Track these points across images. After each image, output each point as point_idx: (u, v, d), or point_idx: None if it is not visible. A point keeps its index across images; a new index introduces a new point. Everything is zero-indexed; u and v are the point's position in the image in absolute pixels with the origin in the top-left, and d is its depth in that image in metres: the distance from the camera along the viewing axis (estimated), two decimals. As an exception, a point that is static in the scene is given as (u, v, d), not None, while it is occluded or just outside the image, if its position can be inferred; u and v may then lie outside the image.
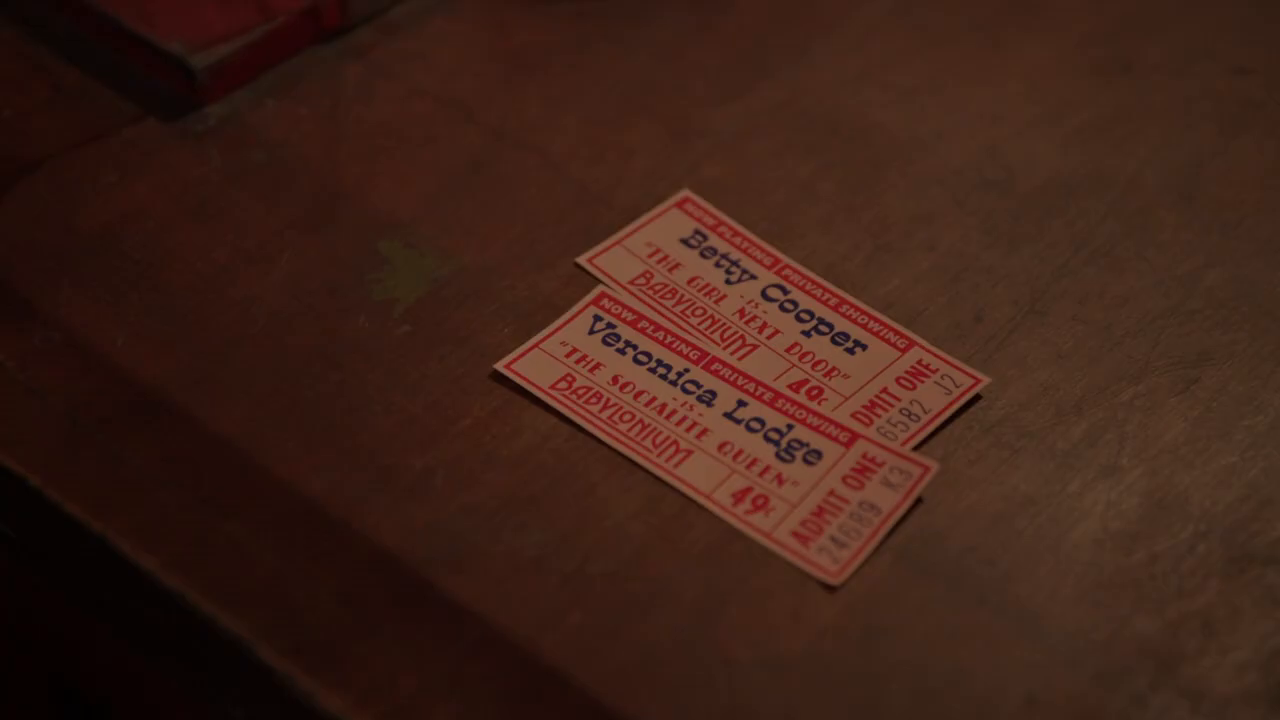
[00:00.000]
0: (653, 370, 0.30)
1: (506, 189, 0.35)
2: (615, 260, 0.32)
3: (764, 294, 0.32)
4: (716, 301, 0.31)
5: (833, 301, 0.32)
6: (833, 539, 0.27)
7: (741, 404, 0.29)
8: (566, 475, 0.28)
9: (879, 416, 0.29)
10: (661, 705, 0.25)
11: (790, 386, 0.30)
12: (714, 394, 0.29)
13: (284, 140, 0.35)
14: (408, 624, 0.25)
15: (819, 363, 0.30)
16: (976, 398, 0.30)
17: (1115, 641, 0.26)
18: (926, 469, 0.28)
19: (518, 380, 0.29)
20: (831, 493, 0.28)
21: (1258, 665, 0.26)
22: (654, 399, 0.29)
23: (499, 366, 0.29)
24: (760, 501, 0.28)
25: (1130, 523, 0.28)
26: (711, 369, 0.30)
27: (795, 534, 0.27)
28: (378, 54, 0.37)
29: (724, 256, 0.33)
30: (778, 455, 0.28)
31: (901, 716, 0.25)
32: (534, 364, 0.30)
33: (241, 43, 0.35)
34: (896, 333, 0.31)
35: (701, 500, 0.27)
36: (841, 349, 0.31)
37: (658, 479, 0.28)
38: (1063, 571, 0.27)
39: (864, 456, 0.28)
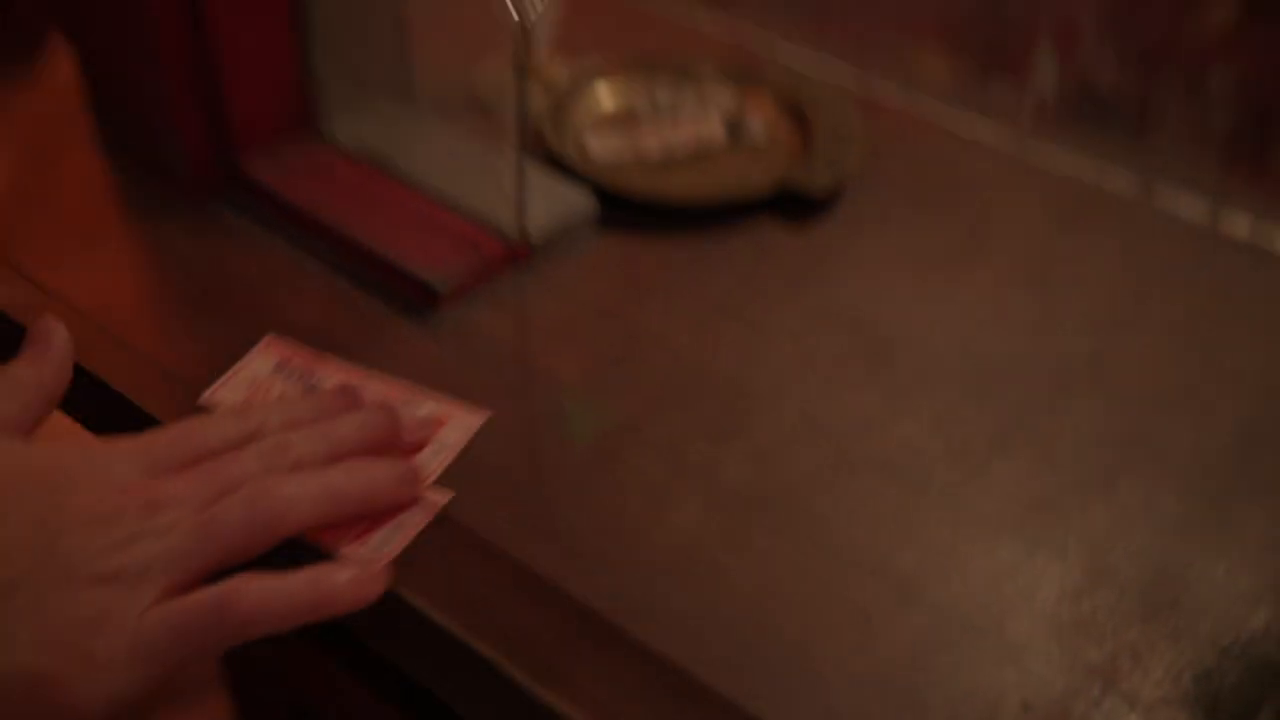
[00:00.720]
0: None
1: (641, 368, 0.45)
2: (229, 391, 0.41)
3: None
4: None
5: (394, 390, 0.41)
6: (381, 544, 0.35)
7: None
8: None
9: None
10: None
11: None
12: None
13: (494, 334, 0.45)
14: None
15: None
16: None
17: (1075, 665, 0.35)
18: (440, 498, 0.37)
19: None
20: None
21: (1170, 680, 0.34)
22: None
23: None
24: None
25: (1078, 585, 0.37)
26: None
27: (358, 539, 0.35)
28: (551, 275, 0.48)
29: (301, 375, 0.41)
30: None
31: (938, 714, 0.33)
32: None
33: (466, 270, 0.45)
34: (436, 399, 0.41)
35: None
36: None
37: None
38: (1037, 618, 0.36)
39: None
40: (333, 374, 0.42)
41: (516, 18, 0.41)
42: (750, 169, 0.52)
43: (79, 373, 0.39)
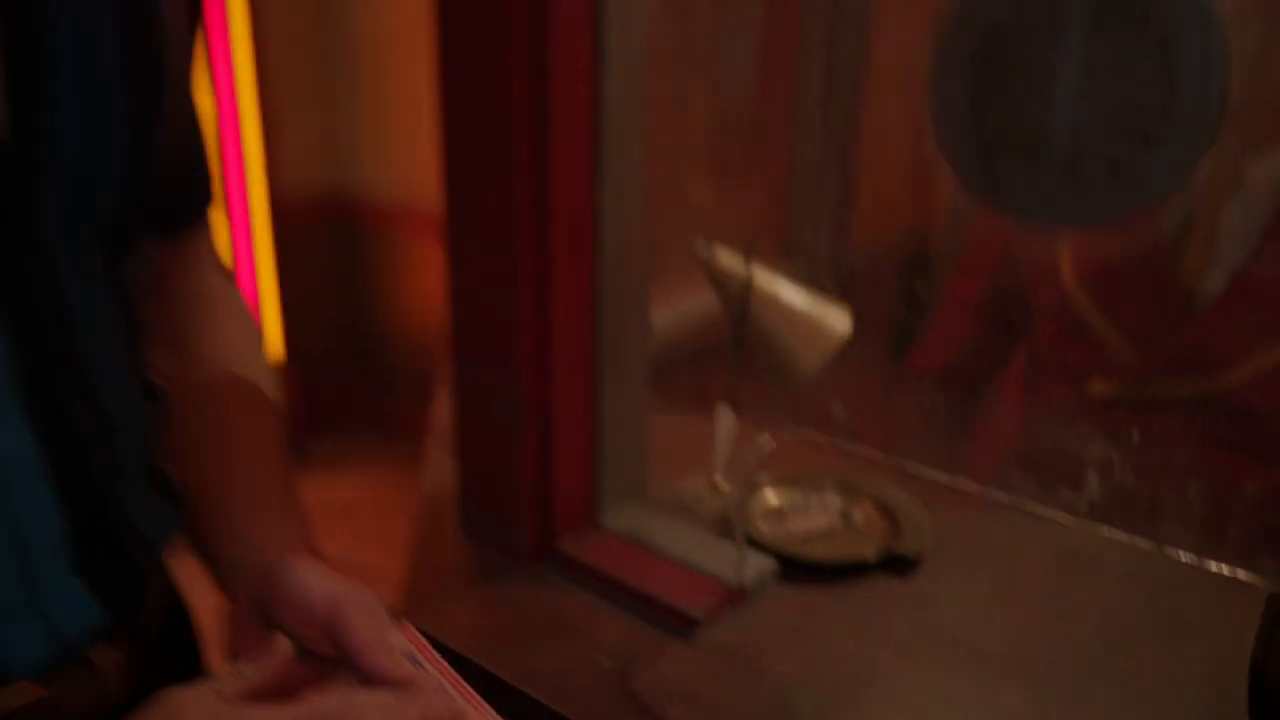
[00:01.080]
0: None
1: (825, 666, 0.68)
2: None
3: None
4: None
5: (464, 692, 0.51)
6: None
7: None
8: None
9: None
10: None
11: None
12: None
13: (731, 645, 0.69)
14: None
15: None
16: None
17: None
18: None
19: None
20: None
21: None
22: None
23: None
24: None
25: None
26: None
27: None
28: (757, 608, 0.73)
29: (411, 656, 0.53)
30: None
31: None
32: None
33: (709, 606, 0.70)
34: (485, 710, 0.50)
35: None
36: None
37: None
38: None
39: None
40: (427, 661, 0.53)
41: (749, 468, 0.71)
42: (861, 543, 0.80)
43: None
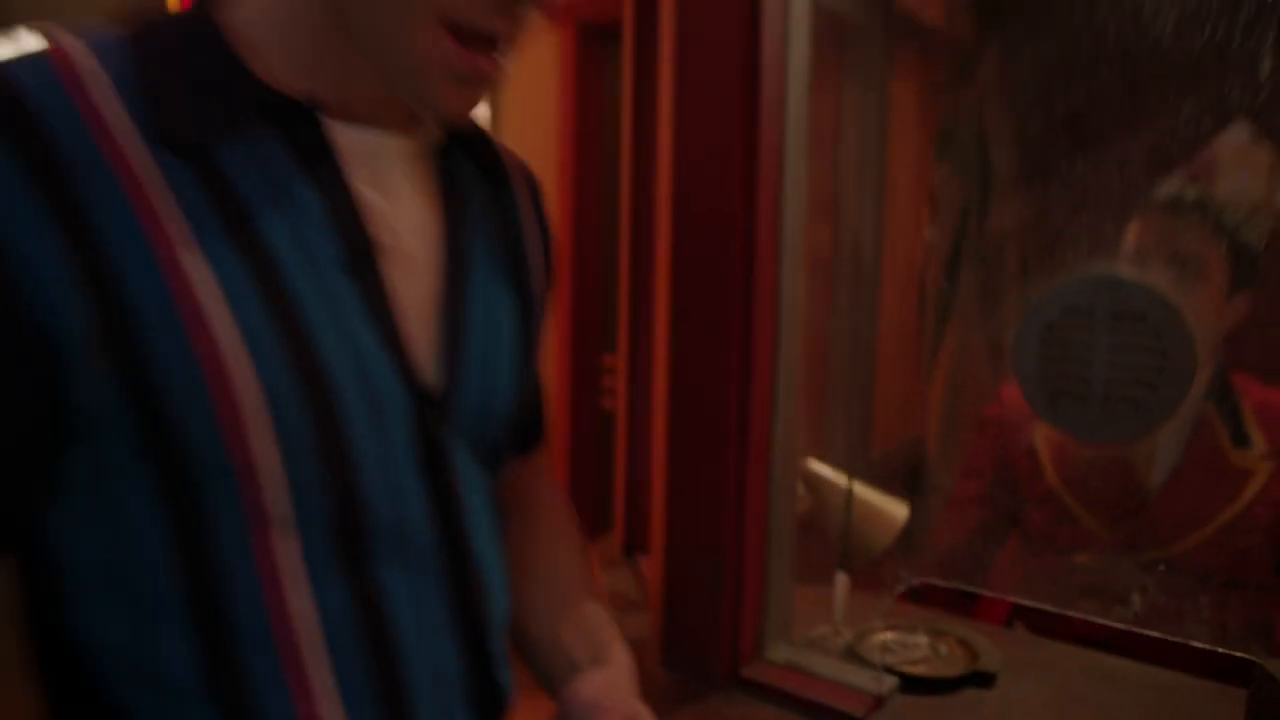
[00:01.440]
0: None
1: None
2: None
3: None
4: None
5: None
6: None
7: None
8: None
9: None
10: None
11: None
12: None
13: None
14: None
15: None
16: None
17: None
18: None
19: None
20: None
21: None
22: None
23: None
24: None
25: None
26: None
27: None
28: (888, 710, 0.97)
29: None
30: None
31: None
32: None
33: (860, 708, 0.94)
34: None
35: None
36: None
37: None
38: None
39: None
40: None
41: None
42: (950, 666, 1.06)
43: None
